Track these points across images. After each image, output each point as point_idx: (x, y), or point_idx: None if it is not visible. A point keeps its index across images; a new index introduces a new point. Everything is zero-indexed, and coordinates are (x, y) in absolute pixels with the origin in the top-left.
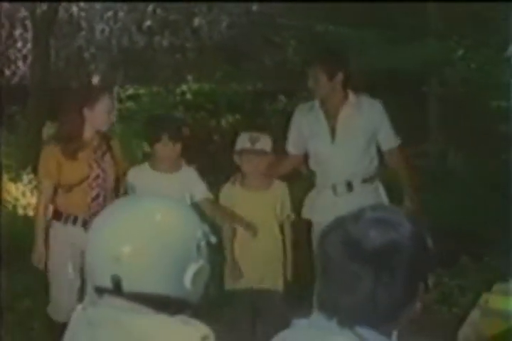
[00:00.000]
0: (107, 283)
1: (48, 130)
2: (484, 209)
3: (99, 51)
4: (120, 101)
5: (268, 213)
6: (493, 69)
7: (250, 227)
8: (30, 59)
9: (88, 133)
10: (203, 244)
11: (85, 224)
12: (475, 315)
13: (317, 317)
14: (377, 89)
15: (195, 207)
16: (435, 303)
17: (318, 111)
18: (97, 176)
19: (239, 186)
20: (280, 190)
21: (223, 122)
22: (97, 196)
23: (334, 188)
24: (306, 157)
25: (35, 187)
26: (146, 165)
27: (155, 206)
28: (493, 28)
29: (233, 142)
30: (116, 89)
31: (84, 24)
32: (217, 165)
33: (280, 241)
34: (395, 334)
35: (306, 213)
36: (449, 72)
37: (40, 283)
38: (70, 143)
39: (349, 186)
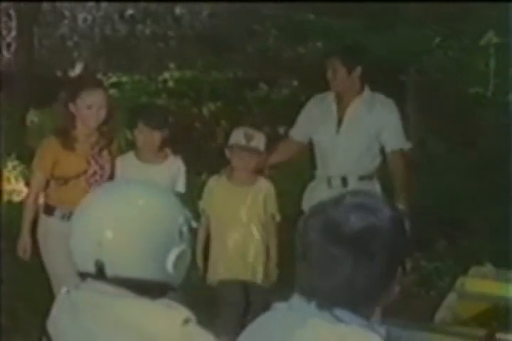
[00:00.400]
0: (91, 268)
1: (32, 117)
2: (461, 195)
3: (82, 39)
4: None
5: (250, 209)
6: (470, 57)
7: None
8: (14, 47)
9: (82, 127)
10: (184, 229)
11: None
12: (452, 297)
13: (296, 300)
14: None
15: (178, 193)
16: (413, 286)
17: (331, 101)
18: (95, 172)
19: (225, 179)
20: (265, 188)
21: (205, 110)
22: None
23: (329, 182)
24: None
25: (20, 173)
26: (131, 155)
27: (138, 192)
28: (470, 17)
29: (215, 130)
30: (99, 76)
31: (67, 13)
32: (199, 152)
33: (259, 239)
34: (377, 315)
35: (303, 205)
36: (427, 60)
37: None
38: (67, 135)
39: (344, 181)
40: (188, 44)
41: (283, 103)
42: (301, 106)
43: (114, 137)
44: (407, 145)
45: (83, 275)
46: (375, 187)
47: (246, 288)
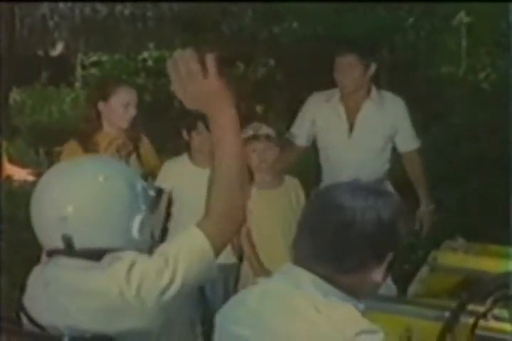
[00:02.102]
0: (59, 243)
1: (15, 95)
2: (433, 171)
3: (63, 20)
4: (83, 67)
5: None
6: (442, 37)
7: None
8: None
9: (108, 129)
10: (143, 196)
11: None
12: (424, 271)
13: (276, 276)
14: (329, 58)
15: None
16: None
17: (338, 103)
18: None
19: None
20: (293, 186)
21: None
22: None
23: None
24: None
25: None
26: (185, 158)
27: (95, 167)
28: None
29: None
30: (79, 56)
31: None
32: (177, 131)
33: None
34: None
35: None
36: (399, 40)
37: None
38: (90, 139)
39: None
40: (166, 24)
41: (259, 82)
42: (277, 84)
43: (141, 139)
44: (418, 143)
45: (51, 253)
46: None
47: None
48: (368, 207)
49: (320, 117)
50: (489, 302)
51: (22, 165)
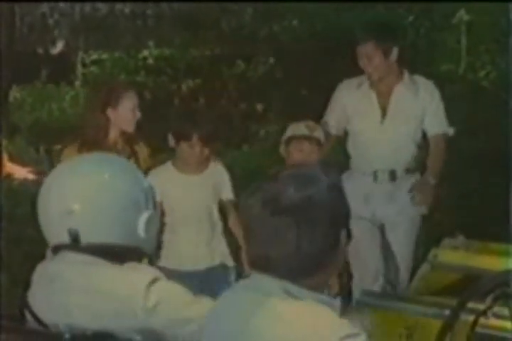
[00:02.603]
0: (65, 238)
1: (14, 93)
2: None
3: (63, 17)
4: (84, 65)
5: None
6: (442, 35)
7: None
8: None
9: (113, 135)
10: (149, 195)
11: None
12: (425, 268)
13: (253, 280)
14: (328, 56)
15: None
16: None
17: (369, 89)
18: None
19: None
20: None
21: (183, 86)
22: None
23: (375, 175)
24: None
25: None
26: (169, 166)
27: (100, 166)
28: None
29: (192, 105)
30: (80, 54)
31: None
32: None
33: None
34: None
35: None
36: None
37: None
38: (94, 147)
39: (392, 175)
40: (166, 22)
41: (259, 80)
42: (277, 83)
43: (138, 143)
44: (450, 131)
45: (57, 249)
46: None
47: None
48: (302, 194)
49: (351, 103)
50: (489, 300)
51: (22, 163)
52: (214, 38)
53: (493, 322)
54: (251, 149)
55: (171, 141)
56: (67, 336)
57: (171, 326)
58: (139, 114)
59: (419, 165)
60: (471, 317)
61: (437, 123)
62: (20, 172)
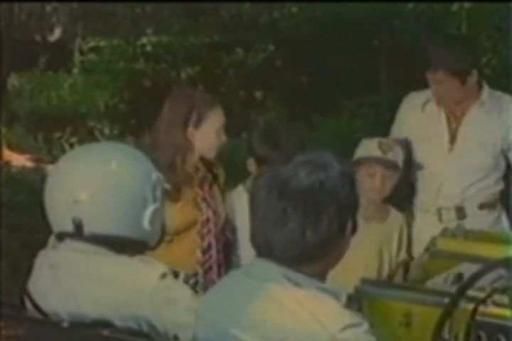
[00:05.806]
0: (69, 227)
1: (13, 80)
2: None
3: (61, 4)
4: (82, 53)
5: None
6: (442, 22)
7: None
8: None
9: (192, 160)
10: (157, 187)
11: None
12: (424, 256)
13: (255, 266)
14: (328, 43)
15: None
16: None
17: (436, 107)
18: (207, 220)
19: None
20: (398, 222)
21: (183, 73)
22: (209, 247)
23: (440, 213)
24: None
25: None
26: (241, 190)
27: (111, 155)
28: None
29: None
30: (78, 41)
31: None
32: None
33: None
34: None
35: None
36: (400, 25)
37: None
38: (172, 176)
39: (460, 212)
40: (164, 9)
41: (259, 67)
42: (277, 70)
43: (216, 166)
44: None
45: (61, 236)
46: (501, 218)
47: None
48: (313, 179)
49: (418, 123)
50: (489, 288)
51: (21, 151)
52: (213, 25)
53: (493, 310)
54: (250, 137)
55: (251, 166)
56: (65, 324)
57: (170, 329)
58: (224, 138)
59: (498, 199)
60: (471, 305)
61: None
62: (19, 160)
